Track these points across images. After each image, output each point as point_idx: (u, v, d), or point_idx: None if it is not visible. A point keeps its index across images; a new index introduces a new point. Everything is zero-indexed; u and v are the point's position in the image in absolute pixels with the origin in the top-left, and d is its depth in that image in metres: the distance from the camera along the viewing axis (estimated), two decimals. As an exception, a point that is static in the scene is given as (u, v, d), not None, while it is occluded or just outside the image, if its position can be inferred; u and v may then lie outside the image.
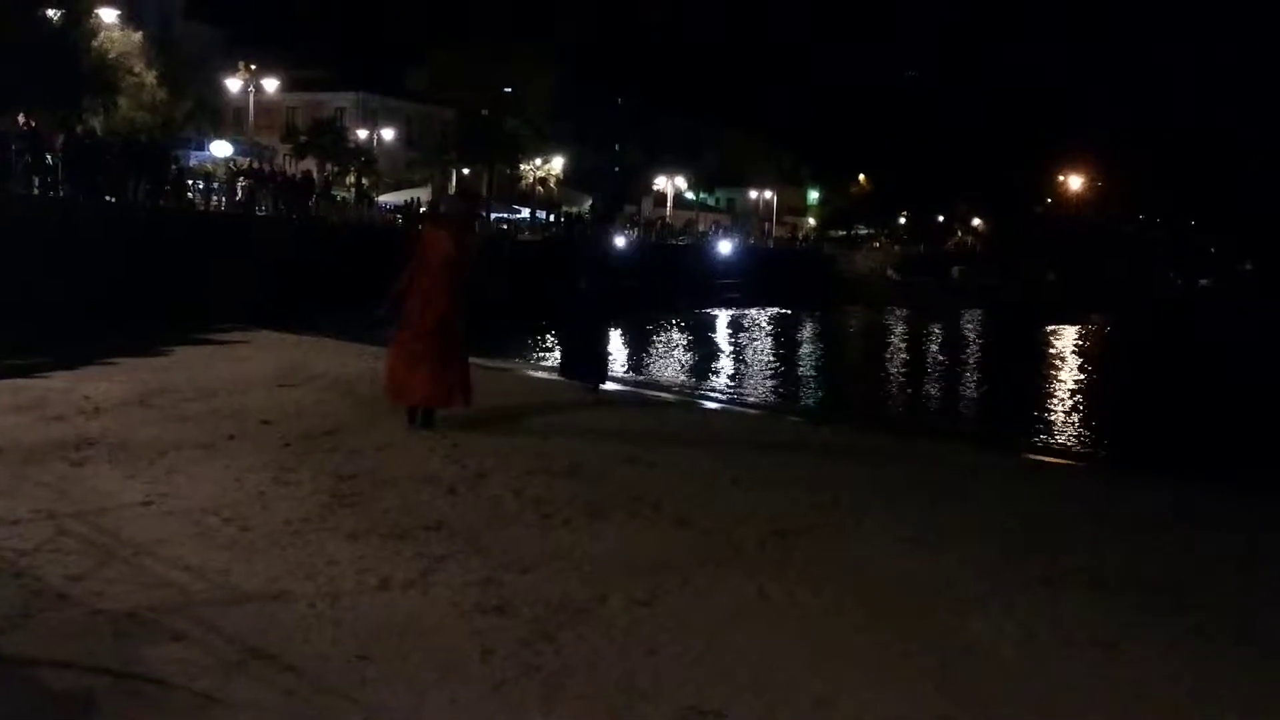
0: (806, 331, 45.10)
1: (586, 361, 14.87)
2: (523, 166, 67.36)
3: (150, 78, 40.89)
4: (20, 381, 13.54)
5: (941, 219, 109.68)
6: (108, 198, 28.11)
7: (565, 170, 71.03)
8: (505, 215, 59.56)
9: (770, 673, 5.46)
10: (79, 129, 32.89)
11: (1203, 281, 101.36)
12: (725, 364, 29.86)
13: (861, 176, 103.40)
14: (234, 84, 47.26)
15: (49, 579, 6.25)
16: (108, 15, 38.50)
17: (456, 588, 6.52)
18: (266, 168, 42.66)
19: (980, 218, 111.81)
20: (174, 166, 34.96)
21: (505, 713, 4.90)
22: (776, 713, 5.03)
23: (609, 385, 16.02)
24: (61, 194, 27.35)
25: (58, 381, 13.74)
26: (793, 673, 5.48)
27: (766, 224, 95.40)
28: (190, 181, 36.23)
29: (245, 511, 7.92)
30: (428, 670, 5.29)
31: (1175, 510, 10.38)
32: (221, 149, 47.14)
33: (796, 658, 5.69)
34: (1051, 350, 41.23)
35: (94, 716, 4.63)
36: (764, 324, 46.69)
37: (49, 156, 28.00)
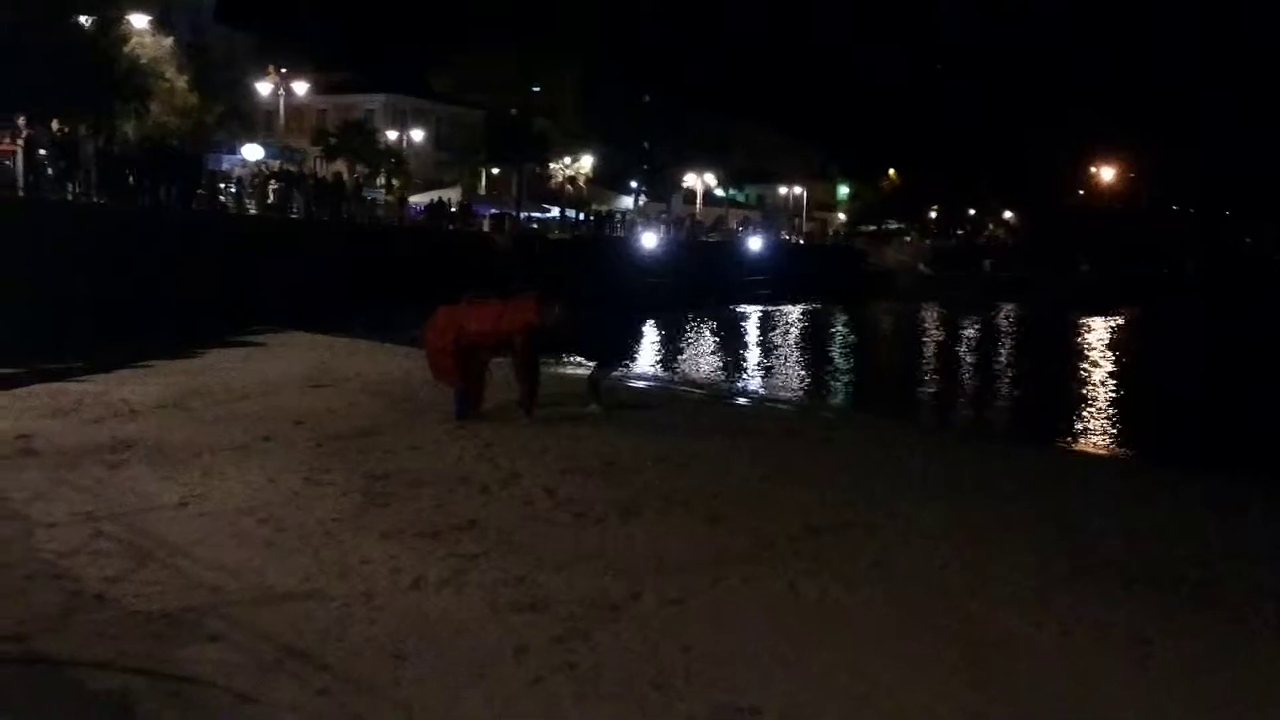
0: (837, 327, 44.92)
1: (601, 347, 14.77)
2: (551, 166, 67.38)
3: (181, 83, 41.09)
4: (57, 385, 13.68)
5: (972, 212, 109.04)
6: (140, 203, 28.28)
7: (594, 169, 71.00)
8: (535, 215, 59.61)
9: (804, 669, 5.46)
10: (110, 135, 33.13)
11: (1232, 272, 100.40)
12: (756, 360, 29.78)
13: (891, 171, 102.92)
14: (264, 87, 47.49)
15: (87, 580, 6.32)
16: (139, 21, 38.70)
17: (490, 586, 6.54)
18: (298, 170, 42.85)
19: (1011, 210, 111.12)
20: (205, 170, 35.14)
21: (540, 710, 4.92)
22: (810, 708, 5.03)
23: (639, 382, 16.02)
24: (94, 199, 27.54)
25: (94, 385, 13.87)
26: (826, 669, 5.48)
27: (796, 220, 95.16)
28: (222, 185, 36.42)
29: (279, 512, 7.98)
30: (462, 668, 5.32)
31: (1208, 504, 10.31)
32: (253, 152, 47.31)
33: (830, 654, 5.68)
34: (1084, 343, 40.92)
35: (132, 716, 4.68)
36: (795, 320, 46.54)
37: (81, 162, 28.20)
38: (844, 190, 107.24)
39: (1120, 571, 7.36)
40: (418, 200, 50.71)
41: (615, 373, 15.27)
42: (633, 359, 15.89)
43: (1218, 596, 6.97)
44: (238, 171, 41.88)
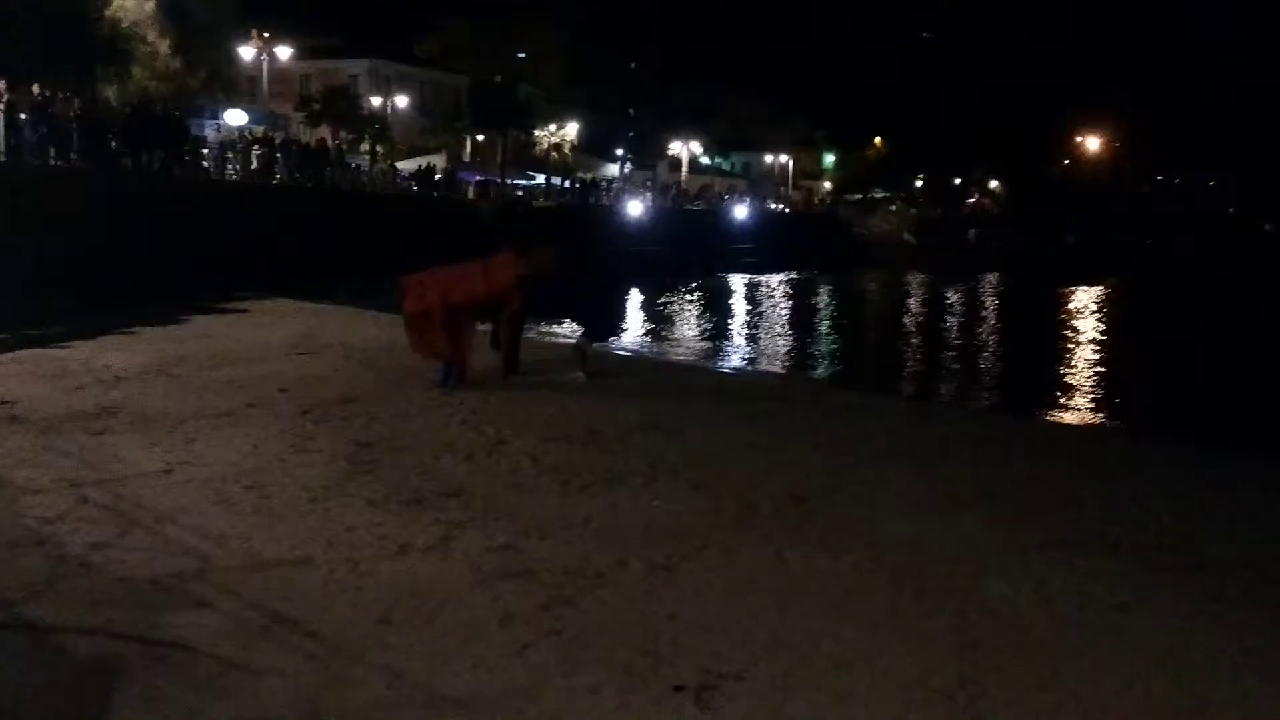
0: (822, 296, 44.97)
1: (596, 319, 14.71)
2: (536, 133, 67.09)
3: (164, 46, 40.69)
4: (41, 352, 13.63)
5: (958, 181, 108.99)
6: (122, 168, 28.08)
7: (580, 136, 70.75)
8: (520, 182, 59.39)
9: (788, 636, 5.49)
10: (92, 99, 32.85)
11: (1215, 242, 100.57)
12: (741, 329, 29.80)
13: (877, 139, 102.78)
14: (247, 52, 47.06)
15: (73, 547, 6.31)
16: (121, -17, 38.39)
17: (476, 553, 6.56)
18: (281, 136, 42.60)
19: (997, 180, 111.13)
20: (189, 135, 34.88)
21: (527, 676, 4.94)
22: (795, 675, 5.06)
23: (624, 351, 16.00)
24: (75, 164, 27.34)
25: (78, 352, 13.82)
26: (811, 636, 5.51)
27: (782, 188, 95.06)
28: (205, 150, 36.19)
29: (265, 479, 7.98)
30: (449, 635, 5.34)
31: (1190, 473, 10.36)
32: (236, 117, 46.98)
33: (815, 621, 5.72)
34: (1069, 313, 41.03)
35: (119, 682, 4.68)
36: (780, 288, 46.55)
37: (62, 127, 27.98)
38: (830, 159, 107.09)
39: (1102, 540, 7.40)
40: (404, 166, 50.48)
41: (602, 343, 15.20)
42: (621, 330, 15.84)
43: (1198, 565, 7.02)
44: (220, 136, 41.56)
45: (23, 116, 26.45)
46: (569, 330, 15.06)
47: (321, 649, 5.11)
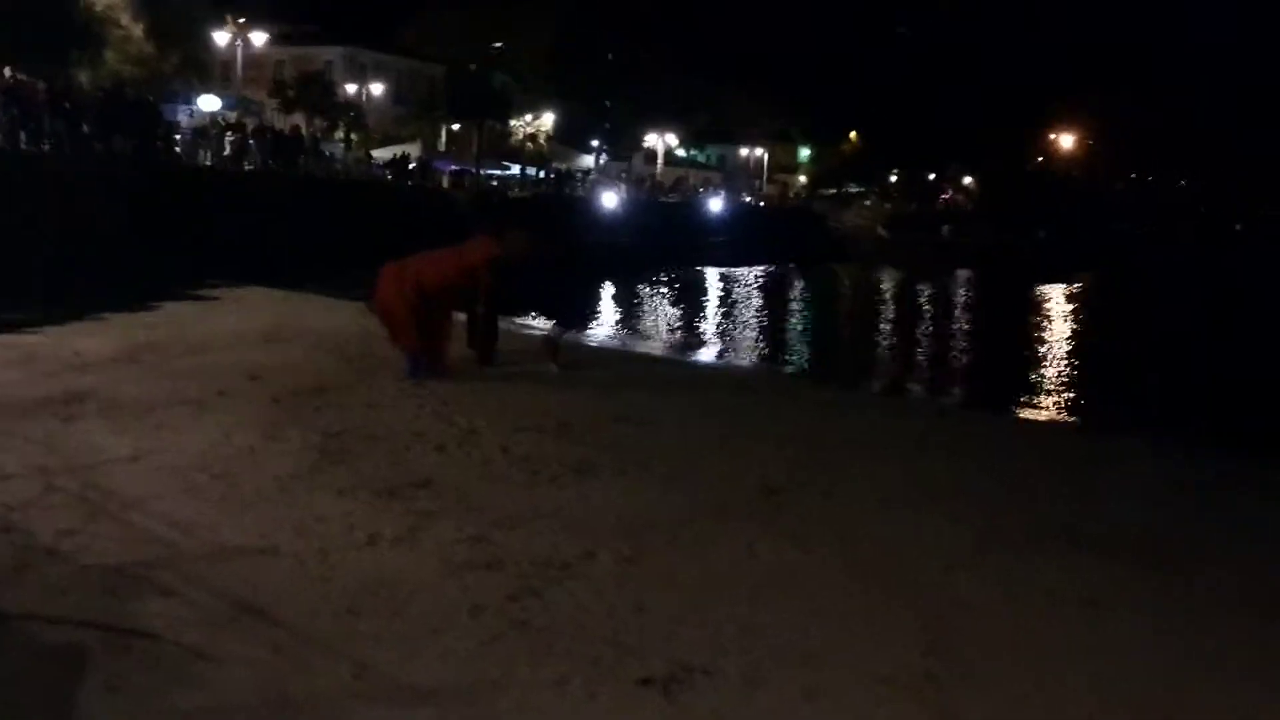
0: (796, 289, 45.10)
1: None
2: (512, 123, 67.02)
3: (137, 31, 40.48)
4: (9, 337, 13.50)
5: (932, 177, 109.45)
6: (94, 151, 27.91)
7: (555, 127, 70.68)
8: (495, 172, 59.30)
9: (757, 630, 5.50)
10: (65, 84, 32.62)
11: (1187, 240, 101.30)
12: (715, 322, 29.86)
13: (852, 134, 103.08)
14: (222, 37, 46.80)
15: (39, 534, 6.26)
16: (94, -33, 38.12)
17: (446, 544, 6.54)
18: (255, 122, 42.39)
19: (971, 176, 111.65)
20: (163, 120, 34.70)
21: (494, 667, 4.93)
22: (763, 669, 5.07)
23: (597, 342, 15.97)
24: (47, 148, 27.15)
25: (47, 337, 13.70)
26: (780, 630, 5.52)
27: (757, 181, 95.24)
28: (177, 136, 35.98)
29: (234, 467, 7.93)
30: (417, 626, 5.33)
31: (1159, 470, 10.44)
32: (209, 103, 46.75)
33: (784, 615, 5.73)
34: (1040, 310, 41.27)
35: (85, 670, 4.65)
36: (753, 282, 46.65)
37: (34, 111, 27.78)
38: (805, 153, 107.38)
39: (1073, 536, 7.44)
40: (379, 155, 50.34)
41: (574, 333, 15.13)
42: (594, 321, 15.83)
43: (1169, 562, 7.06)
44: (193, 122, 41.34)
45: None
46: (541, 322, 14.95)
47: (289, 638, 5.09)
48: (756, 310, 34.96)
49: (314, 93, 54.27)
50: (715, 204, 69.30)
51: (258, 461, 8.17)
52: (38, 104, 27.76)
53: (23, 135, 26.91)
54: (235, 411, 9.85)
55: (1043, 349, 27.71)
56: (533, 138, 68.34)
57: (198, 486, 7.43)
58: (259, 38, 47.55)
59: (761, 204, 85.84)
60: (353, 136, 54.14)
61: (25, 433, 8.58)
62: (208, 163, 35.06)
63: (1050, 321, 36.54)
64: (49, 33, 33.58)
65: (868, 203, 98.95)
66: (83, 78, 37.28)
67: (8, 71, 28.86)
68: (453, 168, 52.71)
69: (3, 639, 4.96)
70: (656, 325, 27.07)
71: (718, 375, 17.19)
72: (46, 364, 11.76)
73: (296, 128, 45.80)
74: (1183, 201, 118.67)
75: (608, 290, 32.88)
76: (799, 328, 31.28)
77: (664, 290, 37.89)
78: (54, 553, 5.99)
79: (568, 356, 13.76)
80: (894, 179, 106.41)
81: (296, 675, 4.74)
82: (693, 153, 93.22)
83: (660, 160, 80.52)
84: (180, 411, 9.70)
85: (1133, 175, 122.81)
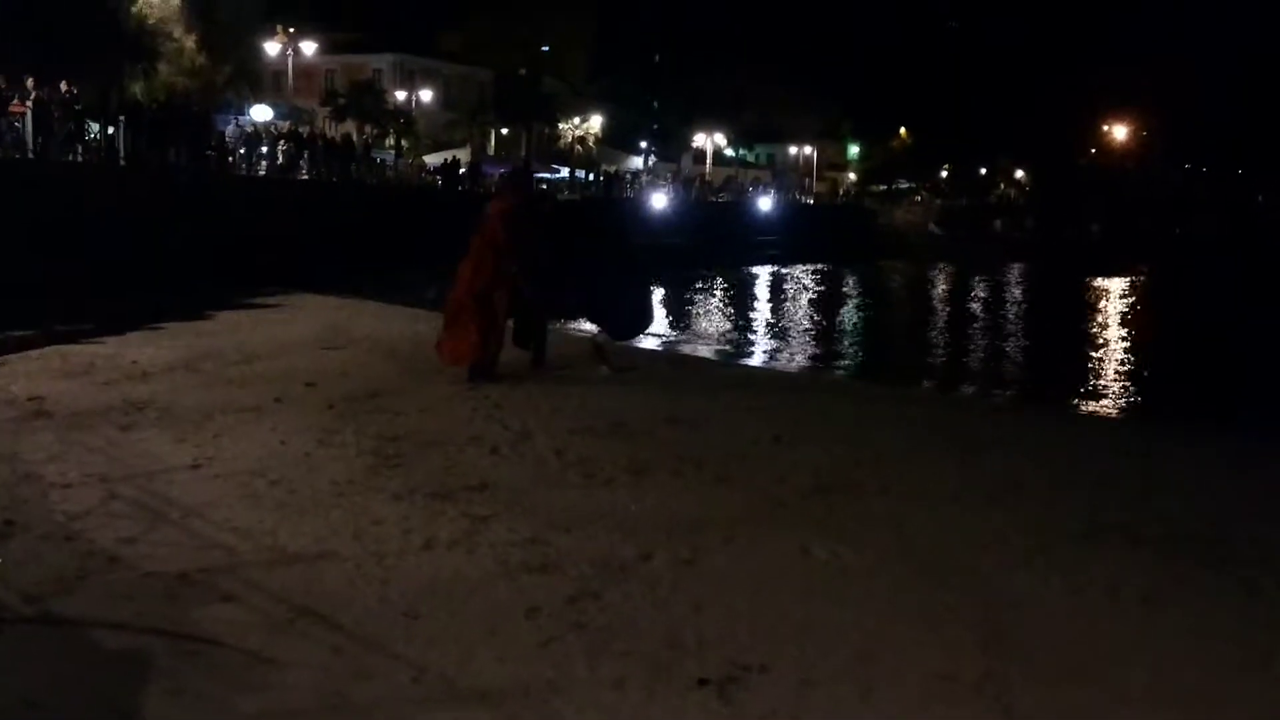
0: (848, 287, 44.87)
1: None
2: (561, 126, 67.22)
3: (190, 42, 41.00)
4: (68, 347, 13.71)
5: (984, 171, 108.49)
6: (149, 164, 28.25)
7: (604, 129, 70.76)
8: (545, 175, 59.47)
9: (813, 629, 5.48)
10: (120, 96, 33.07)
11: (1242, 230, 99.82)
12: (766, 321, 29.78)
13: (902, 130, 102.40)
14: (272, 47, 47.34)
15: (101, 542, 6.35)
16: (147, -20, 38.60)
17: (501, 547, 6.57)
18: (307, 131, 42.77)
19: (1022, 170, 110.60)
20: (215, 130, 35.09)
21: (552, 669, 4.94)
22: (819, 668, 5.05)
23: (648, 345, 15.90)
24: (104, 160, 27.50)
25: (105, 347, 13.90)
26: (835, 629, 5.50)
27: (806, 179, 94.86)
28: (230, 145, 36.38)
29: (291, 473, 8.01)
30: (474, 628, 5.35)
31: (1220, 463, 10.29)
32: (261, 113, 47.24)
33: (839, 614, 5.70)
34: (1096, 303, 40.83)
35: (148, 676, 4.71)
36: (805, 280, 46.46)
37: (91, 122, 28.17)
38: (854, 150, 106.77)
39: (1131, 532, 7.34)
40: (431, 160, 50.63)
41: (625, 341, 14.91)
42: (651, 328, 15.70)
43: (1229, 557, 6.95)
44: (246, 132, 41.77)
45: (56, 115, 26.63)
46: (590, 328, 14.81)
47: (347, 642, 5.13)
48: (808, 309, 34.82)
49: (364, 100, 54.69)
50: (765, 203, 69.12)
51: (314, 467, 8.24)
52: (94, 117, 28.16)
53: (79, 147, 27.30)
54: (292, 418, 9.94)
55: (1096, 343, 27.41)
56: (581, 140, 68.49)
57: (256, 493, 7.51)
58: (309, 47, 48.05)
59: (811, 202, 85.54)
60: (403, 143, 54.44)
61: (86, 441, 8.71)
62: (261, 172, 35.41)
63: (1103, 315, 36.12)
64: (104, 46, 34.05)
65: (918, 199, 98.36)
66: (137, 90, 37.78)
67: (64, 85, 29.22)
68: (502, 172, 52.87)
69: (68, 645, 5.03)
70: (708, 326, 27.03)
71: (770, 376, 17.14)
72: (105, 373, 11.93)
73: (348, 135, 46.13)
74: (1239, 193, 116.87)
75: (659, 292, 32.89)
76: (851, 326, 31.12)
77: (715, 291, 37.83)
78: (116, 560, 6.07)
79: (620, 359, 13.77)
80: (945, 174, 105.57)
81: (356, 678, 4.78)
82: (741, 152, 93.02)
83: (709, 160, 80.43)
84: (238, 419, 9.81)
85: (1187, 165, 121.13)
